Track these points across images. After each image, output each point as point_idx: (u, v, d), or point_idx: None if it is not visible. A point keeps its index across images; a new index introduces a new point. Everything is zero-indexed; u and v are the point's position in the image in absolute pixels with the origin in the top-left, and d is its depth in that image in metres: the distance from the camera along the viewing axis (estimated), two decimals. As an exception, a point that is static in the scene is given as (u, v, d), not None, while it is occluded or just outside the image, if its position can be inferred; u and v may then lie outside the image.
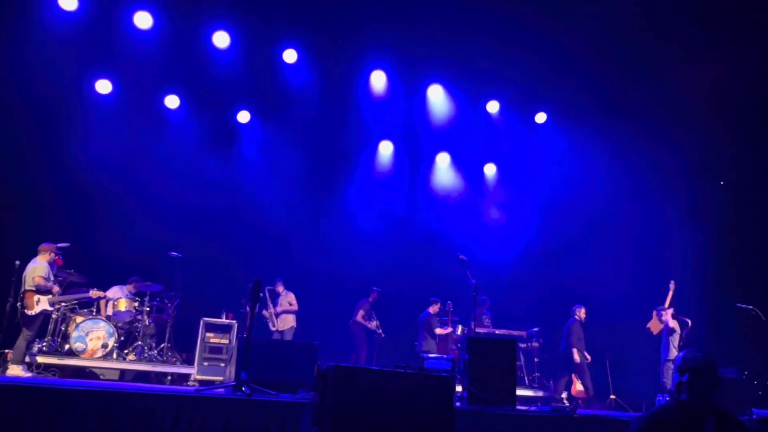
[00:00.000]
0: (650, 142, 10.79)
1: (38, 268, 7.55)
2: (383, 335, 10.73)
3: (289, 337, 9.97)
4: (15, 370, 7.10)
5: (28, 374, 7.22)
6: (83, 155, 9.68)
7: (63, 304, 8.28)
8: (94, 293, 8.31)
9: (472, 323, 8.28)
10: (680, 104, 10.47)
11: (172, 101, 10.81)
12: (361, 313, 10.69)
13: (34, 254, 7.78)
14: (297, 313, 10.21)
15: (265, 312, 10.06)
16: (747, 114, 10.33)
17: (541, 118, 12.00)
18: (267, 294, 9.99)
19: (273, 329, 10.07)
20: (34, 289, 7.45)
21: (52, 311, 7.78)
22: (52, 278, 7.70)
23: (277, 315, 10.07)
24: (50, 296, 7.59)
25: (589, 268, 11.33)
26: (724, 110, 10.31)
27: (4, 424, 3.98)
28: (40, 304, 7.46)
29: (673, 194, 10.88)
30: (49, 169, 9.64)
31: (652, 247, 11.17)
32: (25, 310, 7.40)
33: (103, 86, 10.32)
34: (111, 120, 10.21)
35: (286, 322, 10.08)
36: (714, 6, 9.11)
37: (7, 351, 7.65)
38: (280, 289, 10.21)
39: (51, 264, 7.73)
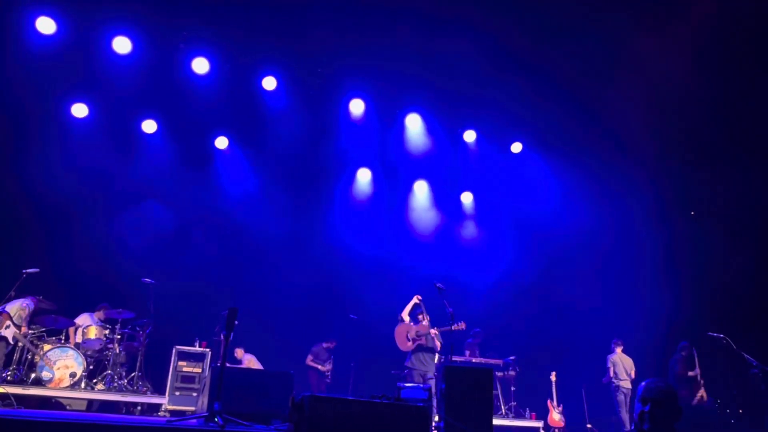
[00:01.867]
0: (626, 171, 11.04)
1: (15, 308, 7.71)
2: (329, 381, 10.65)
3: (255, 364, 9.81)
4: None
5: None
6: (55, 179, 9.56)
7: (31, 332, 8.10)
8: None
9: (450, 353, 8.23)
10: (658, 135, 10.74)
11: (149, 126, 10.73)
12: (310, 357, 10.70)
13: (2, 280, 7.60)
14: (274, 339, 10.05)
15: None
16: (718, 150, 10.67)
17: (516, 147, 12.20)
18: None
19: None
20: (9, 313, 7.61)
21: (12, 344, 7.73)
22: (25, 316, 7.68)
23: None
24: (16, 330, 7.51)
25: (565, 296, 11.47)
26: (696, 144, 10.65)
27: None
28: (8, 330, 7.34)
29: (648, 223, 11.11)
30: (19, 192, 9.47)
31: (630, 275, 11.32)
32: None
33: (79, 110, 10.20)
34: (86, 144, 10.10)
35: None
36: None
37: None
38: (240, 354, 10.09)
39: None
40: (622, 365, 9.90)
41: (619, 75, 9.80)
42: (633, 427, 2.84)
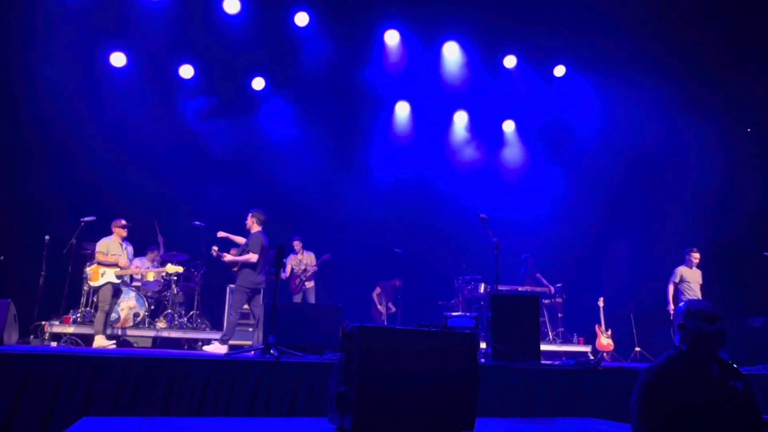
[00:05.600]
0: (679, 88, 10.47)
1: (100, 244, 7.85)
2: (385, 323, 10.85)
3: (311, 297, 10.03)
4: (98, 341, 7.36)
5: (109, 344, 7.40)
6: (102, 129, 9.80)
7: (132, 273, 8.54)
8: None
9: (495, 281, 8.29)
10: (712, 48, 10.13)
11: (186, 71, 10.76)
12: (377, 290, 10.87)
13: (61, 229, 7.95)
14: (321, 276, 10.24)
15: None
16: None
17: (559, 71, 11.75)
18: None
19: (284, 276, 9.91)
20: (97, 263, 7.75)
21: (119, 283, 7.92)
22: (120, 252, 7.90)
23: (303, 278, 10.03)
24: (117, 269, 7.78)
25: (611, 222, 11.27)
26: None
27: (45, 392, 4.15)
28: (105, 276, 7.69)
29: (708, 141, 10.59)
30: (73, 145, 9.71)
31: (685, 199, 10.93)
32: (89, 281, 7.81)
33: (118, 59, 10.31)
34: (127, 94, 10.24)
35: (310, 281, 10.09)
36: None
37: (43, 323, 7.93)
38: (298, 246, 10.12)
39: (123, 240, 8.00)
40: (695, 279, 8.85)
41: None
42: (685, 348, 2.79)
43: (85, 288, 8.55)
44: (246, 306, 7.65)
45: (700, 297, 8.67)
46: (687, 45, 10.25)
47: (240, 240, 7.99)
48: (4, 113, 9.26)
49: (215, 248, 7.75)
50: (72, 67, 9.70)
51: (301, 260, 10.03)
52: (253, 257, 7.38)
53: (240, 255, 7.55)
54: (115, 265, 7.80)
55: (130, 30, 10.00)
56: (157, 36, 9.98)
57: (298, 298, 9.88)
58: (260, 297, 7.83)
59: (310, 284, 9.99)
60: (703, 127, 10.56)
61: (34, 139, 9.47)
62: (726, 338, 2.80)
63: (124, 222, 7.96)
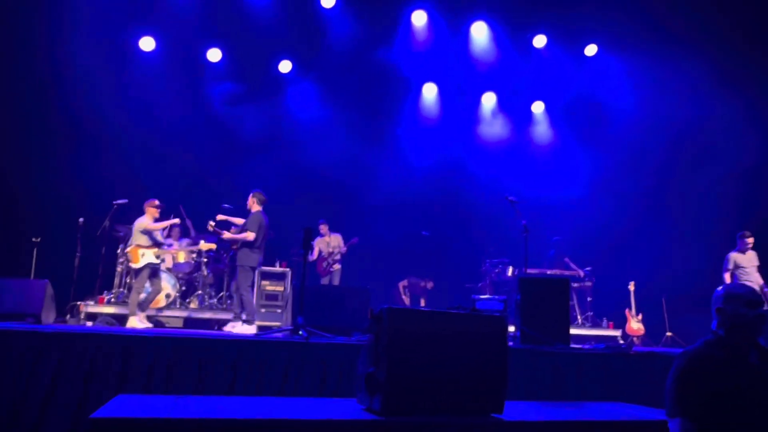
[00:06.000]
0: (713, 65, 10.11)
1: (140, 223, 7.88)
2: None
3: (336, 279, 10.06)
4: (132, 322, 7.53)
5: (144, 325, 7.52)
6: (132, 114, 9.94)
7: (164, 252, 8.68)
8: (203, 245, 8.57)
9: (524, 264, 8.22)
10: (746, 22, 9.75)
11: (214, 54, 10.80)
12: (404, 282, 10.84)
13: (94, 212, 8.10)
14: (345, 258, 10.26)
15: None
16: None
17: (591, 50, 11.48)
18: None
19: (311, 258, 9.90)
20: (137, 244, 7.79)
21: (158, 263, 8.00)
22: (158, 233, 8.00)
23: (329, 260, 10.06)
24: (155, 249, 7.87)
25: (644, 204, 11.03)
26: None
27: (81, 369, 4.26)
28: (145, 257, 7.77)
29: (746, 119, 10.22)
30: (108, 128, 9.88)
31: (721, 179, 10.59)
32: (130, 264, 7.86)
33: (147, 43, 10.40)
34: (156, 77, 10.34)
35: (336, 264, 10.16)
36: None
37: (79, 303, 8.13)
38: (324, 229, 10.14)
39: (156, 221, 8.05)
40: (750, 264, 8.49)
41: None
42: (723, 334, 2.72)
43: (119, 269, 8.74)
44: (271, 287, 7.73)
45: (760, 281, 8.42)
46: (720, 20, 9.88)
47: (239, 221, 8.09)
48: (38, 100, 9.45)
49: (212, 223, 7.87)
50: (103, 52, 9.82)
51: (329, 242, 10.05)
52: (250, 236, 7.46)
53: (239, 234, 7.65)
54: (156, 244, 7.84)
55: (158, 14, 10.07)
56: (185, 20, 10.04)
57: (325, 281, 9.94)
58: (252, 276, 7.89)
59: (336, 267, 10.03)
60: (740, 104, 10.20)
61: (67, 124, 9.64)
62: (766, 324, 2.72)
63: (157, 202, 8.04)
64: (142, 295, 7.86)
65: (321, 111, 11.29)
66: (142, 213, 8.05)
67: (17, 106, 9.35)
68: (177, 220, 8.35)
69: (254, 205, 7.76)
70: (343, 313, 6.59)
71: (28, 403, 4.09)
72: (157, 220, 8.07)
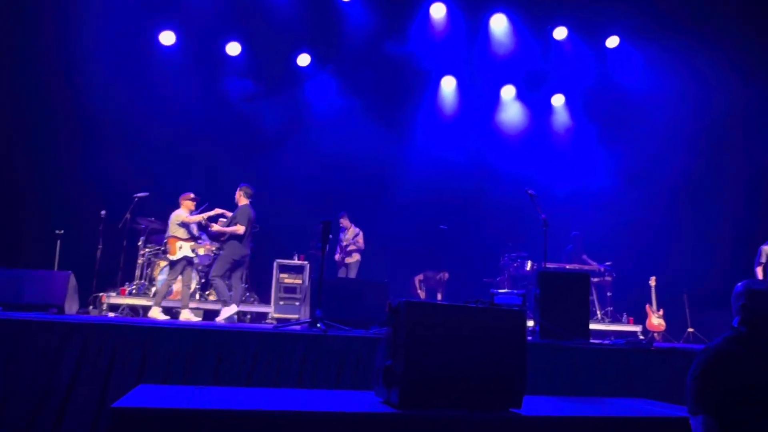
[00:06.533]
0: (741, 56, 9.89)
1: (177, 216, 7.95)
2: None
3: (354, 271, 10.04)
4: (184, 314, 7.66)
5: (163, 317, 7.60)
6: (153, 108, 10.04)
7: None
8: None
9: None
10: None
11: (233, 48, 10.85)
12: (420, 276, 10.83)
13: (116, 205, 8.20)
14: (367, 251, 10.26)
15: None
16: None
17: (613, 42, 11.31)
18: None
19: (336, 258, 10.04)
20: (175, 236, 7.86)
21: (194, 257, 8.05)
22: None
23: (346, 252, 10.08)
24: (192, 243, 7.94)
25: (666, 199, 10.86)
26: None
27: (103, 359, 4.33)
28: (182, 250, 7.84)
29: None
30: (129, 122, 10.00)
31: (746, 175, 10.39)
32: (167, 255, 7.94)
33: (167, 38, 10.49)
34: (176, 71, 10.42)
35: (352, 257, 10.18)
36: None
37: (101, 294, 8.26)
38: (346, 223, 10.16)
39: (192, 213, 8.12)
40: None
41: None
42: (745, 330, 2.67)
43: (140, 261, 8.84)
44: (289, 280, 7.78)
45: None
46: (744, 9, 9.65)
47: (221, 212, 8.20)
48: (60, 95, 9.58)
49: (204, 216, 7.97)
50: (124, 46, 9.94)
51: (347, 234, 10.10)
52: (240, 229, 7.56)
53: (227, 227, 7.70)
54: (192, 238, 7.89)
55: (179, 9, 10.15)
56: (205, 14, 10.10)
57: (342, 273, 9.97)
58: (242, 270, 7.98)
59: (349, 259, 10.02)
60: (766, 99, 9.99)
61: (90, 118, 9.76)
62: None
63: (192, 195, 8.10)
64: (178, 287, 7.94)
65: (339, 104, 11.28)
66: (162, 206, 8.14)
67: (40, 101, 9.50)
68: (221, 210, 8.37)
69: (242, 199, 7.89)
70: (362, 307, 6.59)
71: (52, 392, 4.17)
72: (192, 213, 8.11)
